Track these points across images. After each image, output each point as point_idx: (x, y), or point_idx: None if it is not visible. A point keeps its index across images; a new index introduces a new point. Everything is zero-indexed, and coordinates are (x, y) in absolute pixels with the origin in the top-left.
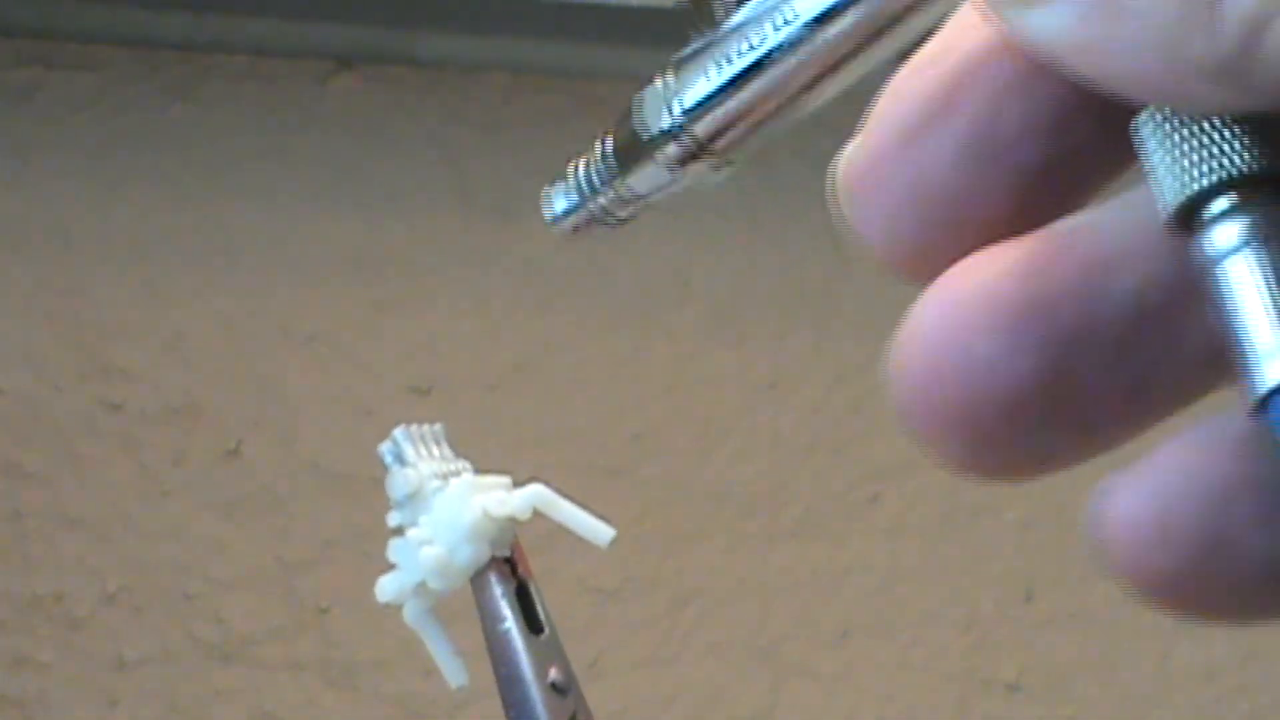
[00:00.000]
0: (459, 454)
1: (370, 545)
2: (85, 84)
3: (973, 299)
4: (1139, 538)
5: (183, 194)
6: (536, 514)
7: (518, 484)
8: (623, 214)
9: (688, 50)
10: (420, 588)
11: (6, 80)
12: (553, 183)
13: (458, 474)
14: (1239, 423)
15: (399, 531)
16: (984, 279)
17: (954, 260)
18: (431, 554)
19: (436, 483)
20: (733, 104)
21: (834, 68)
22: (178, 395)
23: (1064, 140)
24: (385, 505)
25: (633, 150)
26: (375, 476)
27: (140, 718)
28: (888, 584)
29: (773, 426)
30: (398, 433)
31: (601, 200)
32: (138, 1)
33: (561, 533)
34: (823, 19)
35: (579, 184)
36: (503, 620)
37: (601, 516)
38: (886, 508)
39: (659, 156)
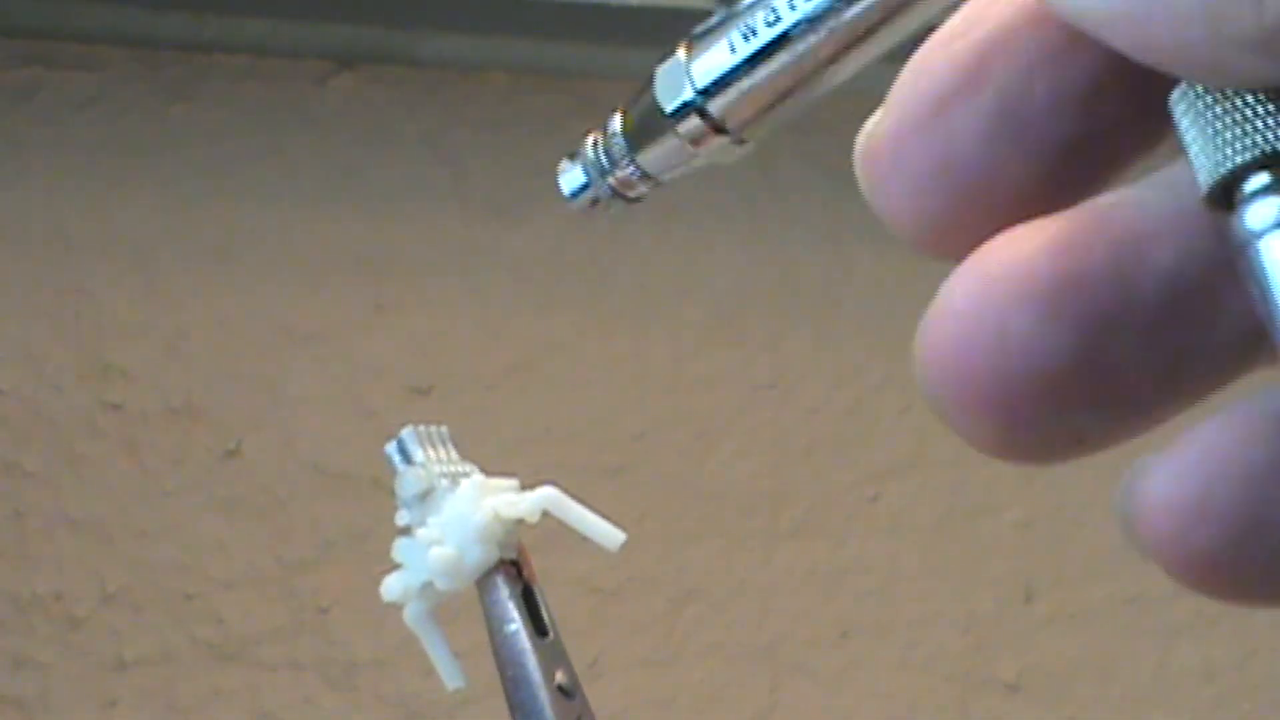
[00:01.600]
0: (463, 456)
1: (370, 545)
2: (85, 84)
3: (1006, 275)
4: (1176, 519)
5: (183, 194)
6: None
7: (522, 485)
8: (633, 194)
9: (708, 23)
10: (426, 588)
11: (6, 80)
12: (570, 155)
13: (466, 475)
14: (1278, 402)
15: (406, 531)
16: (1017, 255)
17: (982, 237)
18: (440, 554)
19: (446, 483)
20: (751, 79)
21: (855, 43)
22: (178, 395)
23: (1097, 114)
24: (386, 505)
25: (650, 125)
26: (375, 476)
27: (140, 718)
28: (888, 584)
29: (773, 426)
30: (405, 433)
31: (616, 176)
32: (138, 1)
33: (561, 532)
34: None
35: (594, 159)
36: (510, 622)
37: (606, 518)
38: (886, 508)
39: (677, 131)
